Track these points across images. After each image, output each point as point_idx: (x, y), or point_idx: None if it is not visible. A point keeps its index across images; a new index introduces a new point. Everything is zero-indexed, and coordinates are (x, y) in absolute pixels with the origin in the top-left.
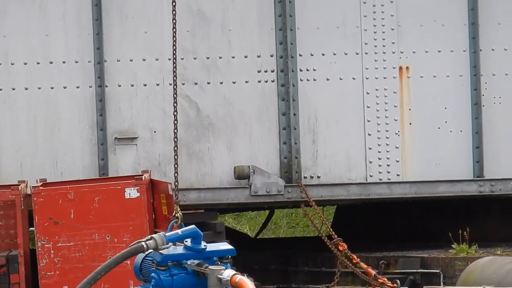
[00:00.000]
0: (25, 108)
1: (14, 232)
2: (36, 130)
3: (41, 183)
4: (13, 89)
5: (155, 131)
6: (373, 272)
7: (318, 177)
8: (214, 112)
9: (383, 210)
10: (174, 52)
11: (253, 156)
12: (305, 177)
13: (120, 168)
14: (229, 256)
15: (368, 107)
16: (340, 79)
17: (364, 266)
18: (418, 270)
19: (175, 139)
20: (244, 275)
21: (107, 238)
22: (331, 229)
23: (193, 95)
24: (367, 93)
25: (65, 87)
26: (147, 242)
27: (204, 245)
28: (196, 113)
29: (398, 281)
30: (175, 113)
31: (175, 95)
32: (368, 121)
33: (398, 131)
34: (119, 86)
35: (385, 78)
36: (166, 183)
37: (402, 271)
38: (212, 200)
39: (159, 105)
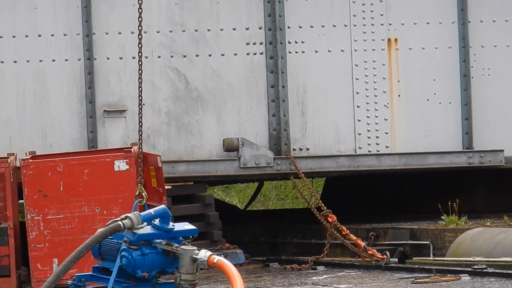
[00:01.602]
0: (14, 81)
1: (3, 204)
2: (25, 103)
3: (30, 155)
4: (2, 62)
5: (144, 104)
6: (363, 243)
7: (307, 149)
8: (203, 85)
9: (372, 182)
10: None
11: (242, 128)
12: (294, 149)
13: (109, 140)
14: (191, 236)
15: (357, 79)
16: (329, 51)
17: (354, 237)
18: (408, 242)
19: (140, 121)
20: (220, 255)
21: (97, 211)
22: (321, 201)
23: (181, 67)
24: (356, 65)
25: (53, 60)
26: (123, 221)
27: (172, 225)
28: (185, 86)
29: (387, 252)
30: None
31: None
32: (357, 93)
33: (387, 103)
34: (108, 59)
35: (373, 50)
36: (155, 156)
37: (392, 242)
38: (201, 173)
39: (148, 78)
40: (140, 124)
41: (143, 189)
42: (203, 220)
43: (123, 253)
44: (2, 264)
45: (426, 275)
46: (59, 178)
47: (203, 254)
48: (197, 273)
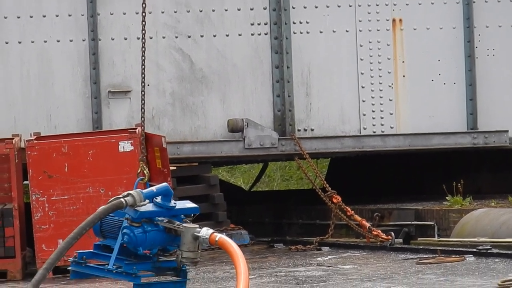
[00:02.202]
0: (18, 62)
1: (8, 185)
2: (29, 84)
3: (35, 136)
4: (6, 43)
5: (148, 85)
6: (367, 224)
7: (312, 130)
8: (208, 65)
9: (377, 163)
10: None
11: (246, 109)
12: (298, 130)
13: (114, 121)
14: (192, 214)
15: (361, 59)
16: (333, 31)
17: (358, 218)
18: (413, 222)
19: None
20: (223, 233)
21: (101, 192)
22: (325, 182)
23: (186, 48)
24: (361, 46)
25: (58, 41)
26: (125, 198)
27: (174, 203)
28: (190, 67)
29: (392, 233)
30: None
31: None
32: (362, 73)
33: (392, 84)
34: (112, 39)
35: (378, 30)
36: (160, 136)
37: (397, 223)
38: (206, 153)
39: (153, 59)
40: (143, 102)
41: (145, 167)
42: (208, 201)
43: (124, 230)
44: (7, 245)
45: (431, 255)
46: (64, 159)
47: (205, 232)
48: (199, 251)
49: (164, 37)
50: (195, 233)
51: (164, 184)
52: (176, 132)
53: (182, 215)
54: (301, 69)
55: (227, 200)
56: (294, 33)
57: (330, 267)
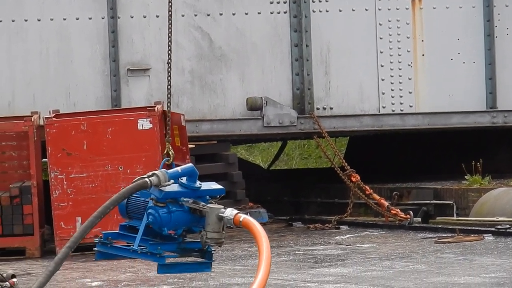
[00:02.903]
0: (38, 40)
1: (27, 163)
2: (48, 62)
3: (54, 114)
4: (26, 20)
5: (167, 63)
6: (386, 203)
7: (331, 108)
8: (227, 44)
9: (396, 142)
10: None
11: (265, 87)
12: (317, 108)
13: (133, 99)
14: (218, 196)
15: (380, 38)
16: (353, 10)
17: (377, 197)
18: (431, 201)
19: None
20: (247, 213)
21: (120, 169)
22: (344, 160)
23: (205, 26)
24: (380, 24)
25: (77, 18)
26: (150, 178)
27: (199, 184)
28: (209, 45)
29: (411, 212)
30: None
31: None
32: (381, 52)
33: (411, 63)
34: (132, 17)
35: (397, 9)
36: (179, 114)
37: (415, 202)
38: (225, 131)
39: (172, 37)
40: (169, 83)
41: (170, 147)
42: (227, 179)
43: (149, 210)
44: (25, 223)
45: (450, 235)
46: (83, 137)
47: (229, 212)
48: (224, 232)
49: (183, 15)
50: (220, 214)
51: (190, 164)
52: (195, 110)
53: (207, 196)
54: (320, 48)
55: (245, 179)
56: (313, 11)
57: (349, 246)
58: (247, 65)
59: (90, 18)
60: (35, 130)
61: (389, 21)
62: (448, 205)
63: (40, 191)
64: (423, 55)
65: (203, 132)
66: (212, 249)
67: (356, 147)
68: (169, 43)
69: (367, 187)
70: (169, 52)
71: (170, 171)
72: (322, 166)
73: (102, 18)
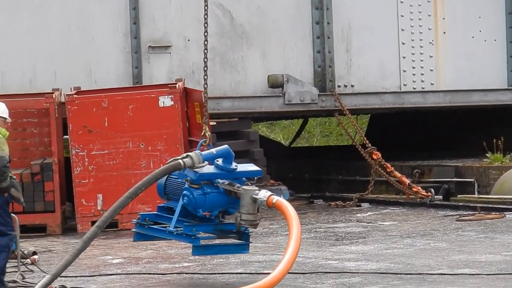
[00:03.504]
0: (59, 16)
1: (48, 140)
2: (70, 38)
3: (75, 91)
4: None
5: (188, 40)
6: (407, 181)
7: (352, 86)
8: (248, 21)
9: (417, 119)
10: None
11: (286, 64)
12: (339, 86)
13: (154, 76)
14: (255, 178)
15: (402, 16)
16: None
17: (398, 175)
18: (453, 179)
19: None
20: (280, 196)
21: (141, 147)
22: (365, 138)
23: (226, 3)
24: (401, 2)
25: None
26: (184, 159)
27: (235, 165)
28: (230, 22)
29: (432, 190)
30: (206, 24)
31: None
32: (402, 30)
33: (432, 40)
34: None
35: None
36: (200, 92)
37: (436, 180)
38: (246, 109)
39: (193, 14)
40: (205, 65)
41: (207, 129)
42: (248, 156)
43: (184, 192)
44: (47, 200)
45: (471, 212)
46: (104, 114)
47: (263, 194)
48: (258, 214)
49: None
50: (254, 196)
51: (225, 146)
52: (216, 87)
53: (244, 178)
54: (342, 25)
55: (266, 156)
56: None
57: (370, 224)
58: (268, 43)
59: None
60: (56, 107)
61: None
62: (469, 183)
63: (61, 168)
64: (444, 32)
65: (224, 110)
66: (250, 231)
67: (377, 125)
68: (205, 24)
69: (388, 165)
70: (205, 34)
71: (204, 152)
72: (343, 143)
73: None
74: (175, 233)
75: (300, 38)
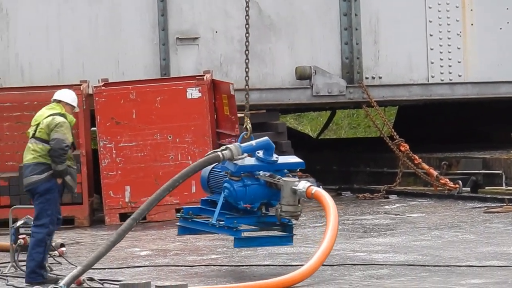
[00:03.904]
0: (87, 8)
1: (76, 132)
2: (97, 30)
3: (103, 83)
4: None
5: (216, 32)
6: (435, 172)
7: (380, 77)
8: (276, 13)
9: (445, 111)
10: None
11: (314, 56)
12: (366, 78)
13: (182, 68)
14: (298, 169)
15: (429, 7)
16: None
17: (426, 166)
18: (480, 171)
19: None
20: (320, 186)
21: (169, 138)
22: (393, 130)
23: None
24: None
25: None
26: (223, 152)
27: (276, 157)
28: (258, 13)
29: (460, 181)
30: (247, 17)
31: None
32: (430, 21)
33: (460, 32)
34: None
35: None
36: (228, 83)
37: (464, 172)
38: (274, 101)
39: (221, 5)
40: (247, 57)
41: (248, 121)
42: (276, 148)
43: (225, 184)
44: None
45: (499, 204)
46: (132, 106)
47: (302, 185)
48: (299, 205)
49: None
50: (293, 187)
51: (265, 138)
52: (244, 79)
53: (285, 170)
54: (369, 17)
55: (294, 148)
56: None
57: (398, 216)
58: (296, 34)
59: None
60: (84, 99)
61: None
62: (497, 175)
63: (89, 160)
64: (472, 24)
65: (252, 101)
66: (293, 223)
67: (405, 117)
68: (246, 17)
69: (416, 157)
70: (247, 26)
71: (243, 145)
72: (371, 135)
73: None
74: (217, 226)
75: (328, 29)
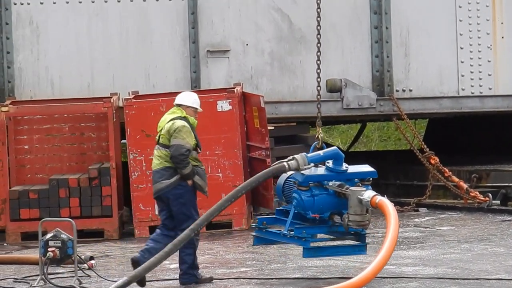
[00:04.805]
0: (117, 21)
1: (106, 144)
2: (128, 43)
3: (133, 95)
4: (105, 1)
5: (247, 44)
6: (465, 185)
7: (410, 90)
8: (306, 25)
9: (475, 124)
10: None
11: (345, 69)
12: (397, 91)
13: (212, 81)
14: (370, 178)
15: (460, 20)
16: None
17: (456, 179)
18: (510, 184)
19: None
20: (384, 196)
21: (199, 151)
22: (423, 143)
23: (285, 8)
24: (460, 7)
25: (157, 0)
26: (289, 162)
27: (346, 167)
28: (288, 26)
29: (490, 194)
30: (318, 18)
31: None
32: (461, 34)
33: (490, 45)
34: None
35: None
36: (258, 96)
37: (494, 184)
38: (304, 113)
39: (251, 18)
40: (318, 76)
41: (320, 131)
42: None
43: (294, 194)
44: (104, 204)
45: None
46: None
47: (368, 194)
48: (367, 214)
49: None
50: (359, 196)
51: (333, 148)
52: (274, 92)
53: (356, 179)
54: (400, 30)
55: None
56: None
57: (427, 228)
58: (326, 47)
59: (170, 0)
60: (114, 111)
61: (469, 3)
62: None
63: (119, 173)
64: (502, 37)
65: (282, 114)
66: (366, 232)
67: (435, 129)
68: (318, 18)
69: (446, 169)
70: (318, 27)
71: (310, 154)
72: (401, 148)
73: (182, 0)
74: (288, 236)
75: (358, 42)
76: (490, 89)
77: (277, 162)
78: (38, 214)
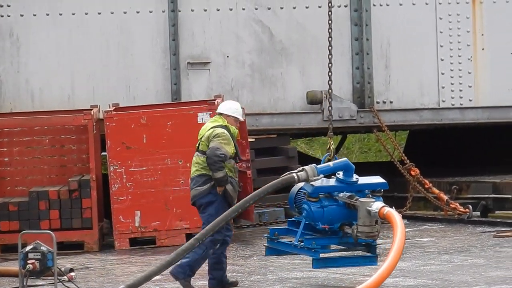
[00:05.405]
0: (98, 33)
1: (86, 156)
2: (108, 55)
3: (114, 107)
4: (86, 13)
5: (228, 56)
6: (445, 197)
7: (391, 102)
8: (287, 37)
9: (455, 136)
10: None
11: (325, 81)
12: (377, 102)
13: (193, 92)
14: (381, 190)
15: (440, 32)
16: (413, 4)
17: (436, 191)
18: (490, 195)
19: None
20: (392, 207)
21: (180, 163)
22: (403, 154)
23: (266, 20)
24: (440, 19)
25: (138, 12)
26: (298, 173)
27: (356, 178)
28: (269, 38)
29: (470, 206)
30: (330, 21)
31: None
32: (441, 46)
33: (471, 57)
34: (192, 11)
35: (458, 3)
36: None
37: (474, 196)
38: (285, 125)
39: (232, 30)
40: (330, 87)
41: (331, 142)
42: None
43: (303, 205)
44: (84, 216)
45: (509, 229)
46: (142, 130)
47: (376, 206)
48: (376, 226)
49: (244, 9)
50: (368, 207)
51: (344, 159)
52: (255, 104)
53: (367, 190)
54: (381, 42)
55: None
56: (374, 5)
57: (408, 240)
58: (307, 59)
59: (150, 12)
60: (94, 124)
61: (449, 15)
62: (507, 199)
63: (99, 185)
64: (483, 49)
65: (263, 126)
66: (377, 243)
67: (416, 141)
68: (329, 21)
69: (426, 181)
70: (330, 30)
71: (319, 166)
72: (381, 159)
73: (163, 12)
74: (298, 246)
75: (339, 54)
76: (470, 100)
77: (287, 173)
78: (18, 226)
